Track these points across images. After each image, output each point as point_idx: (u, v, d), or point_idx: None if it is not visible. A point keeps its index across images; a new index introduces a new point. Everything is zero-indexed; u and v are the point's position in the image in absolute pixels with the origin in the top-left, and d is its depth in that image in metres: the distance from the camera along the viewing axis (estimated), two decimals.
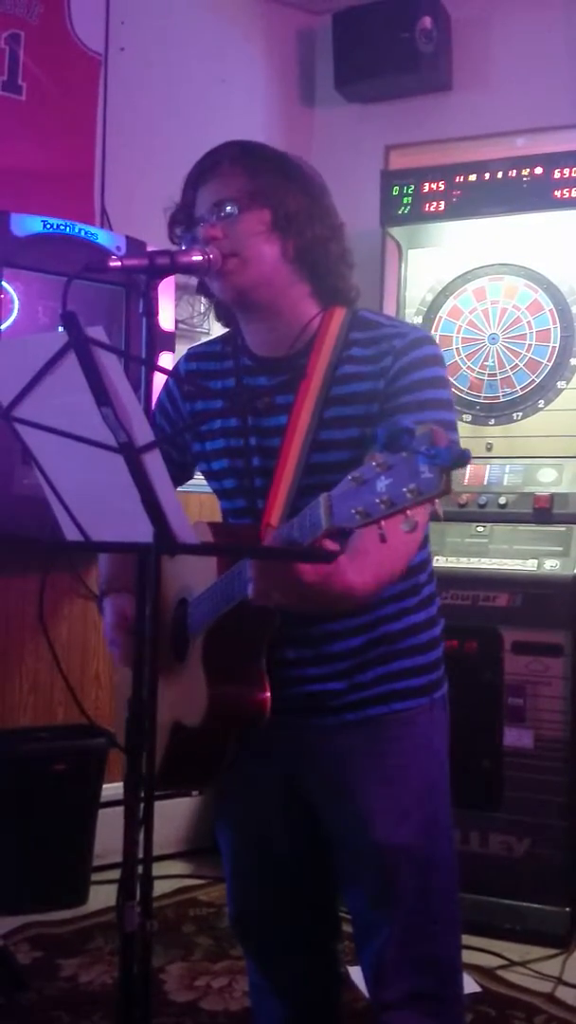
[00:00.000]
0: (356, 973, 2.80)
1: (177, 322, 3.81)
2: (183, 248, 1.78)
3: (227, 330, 1.92)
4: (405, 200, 3.78)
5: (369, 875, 1.77)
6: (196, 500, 4.01)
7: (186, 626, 1.79)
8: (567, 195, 3.56)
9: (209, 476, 1.91)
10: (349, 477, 1.29)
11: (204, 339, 4.04)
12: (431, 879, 1.78)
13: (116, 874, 1.80)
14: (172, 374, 1.98)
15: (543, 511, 3.36)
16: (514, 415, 3.59)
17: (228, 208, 1.73)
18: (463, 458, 1.17)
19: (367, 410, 1.71)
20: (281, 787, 1.85)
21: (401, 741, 1.78)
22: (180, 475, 2.02)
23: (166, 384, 1.97)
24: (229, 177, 1.74)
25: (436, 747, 1.83)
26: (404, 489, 1.21)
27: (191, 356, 1.96)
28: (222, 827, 1.97)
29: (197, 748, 1.78)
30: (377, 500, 1.24)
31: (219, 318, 1.91)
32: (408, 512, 1.22)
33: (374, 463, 1.25)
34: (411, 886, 1.75)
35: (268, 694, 1.69)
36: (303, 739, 1.79)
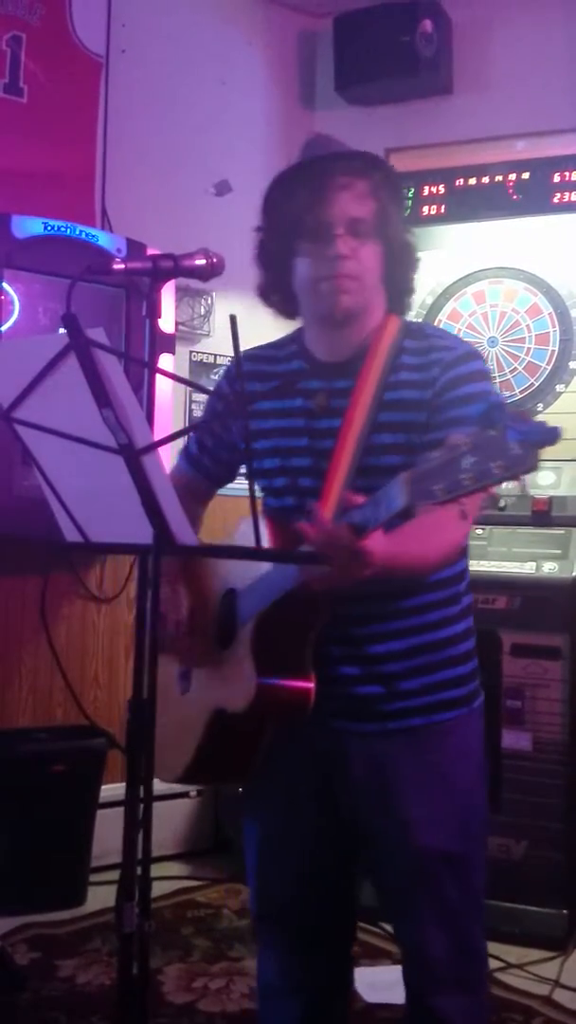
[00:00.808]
0: (356, 975, 2.81)
1: (177, 324, 3.81)
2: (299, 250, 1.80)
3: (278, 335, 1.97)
4: (405, 203, 3.79)
5: (410, 877, 1.80)
6: None
7: (235, 614, 1.81)
8: (566, 199, 3.57)
9: (259, 474, 1.93)
10: (432, 455, 1.33)
11: (204, 341, 4.08)
12: (470, 879, 1.83)
13: (115, 875, 1.81)
14: (226, 375, 2.02)
15: (542, 514, 3.36)
16: None
17: (362, 229, 1.78)
18: (554, 434, 1.22)
19: (416, 417, 1.76)
20: (315, 784, 1.86)
21: (441, 750, 1.81)
22: (227, 475, 2.07)
23: (218, 386, 2.03)
24: (364, 196, 1.79)
25: (474, 753, 1.86)
26: (492, 465, 1.25)
27: (246, 358, 1.99)
28: (250, 821, 1.98)
29: (234, 738, 1.79)
30: (462, 476, 1.28)
31: (284, 315, 1.94)
32: (492, 490, 1.28)
33: (460, 442, 1.29)
34: (453, 887, 1.80)
35: (313, 685, 1.71)
36: (342, 742, 1.81)
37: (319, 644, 1.73)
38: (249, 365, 1.96)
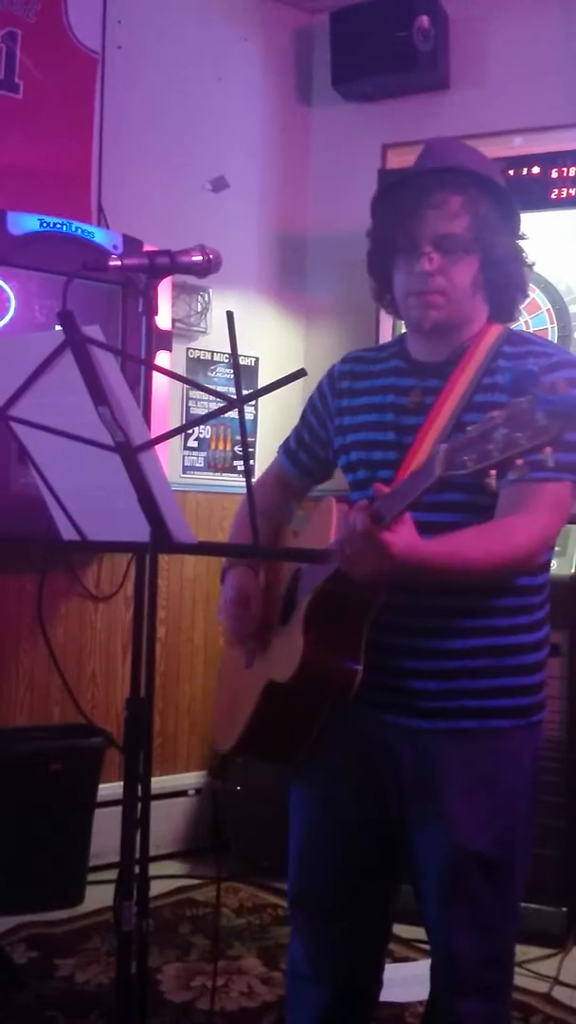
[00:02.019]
0: None
1: (174, 321, 3.80)
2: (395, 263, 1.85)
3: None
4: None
5: (447, 878, 1.80)
6: (193, 499, 4.01)
7: (296, 591, 1.83)
8: (564, 195, 3.56)
9: (347, 468, 1.96)
10: (468, 428, 1.38)
11: (201, 338, 4.08)
12: (506, 885, 1.81)
13: (113, 874, 1.81)
14: (328, 373, 2.05)
15: None
16: None
17: (450, 246, 1.80)
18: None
19: None
20: (364, 777, 1.86)
21: (491, 756, 1.80)
22: (323, 471, 2.10)
23: (320, 383, 2.05)
24: (456, 211, 1.80)
25: (525, 765, 1.85)
26: (518, 435, 1.30)
27: (347, 359, 2.04)
28: (296, 806, 1.98)
29: (285, 713, 1.81)
30: (491, 447, 1.32)
31: (398, 316, 1.98)
32: (519, 461, 1.30)
33: (495, 414, 1.34)
34: (488, 893, 1.79)
35: (360, 667, 1.71)
36: (393, 737, 1.81)
37: (383, 632, 1.73)
38: (348, 365, 2.01)
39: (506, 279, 1.87)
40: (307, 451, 2.08)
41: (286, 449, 2.12)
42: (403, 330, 1.99)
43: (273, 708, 1.81)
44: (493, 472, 1.34)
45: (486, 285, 1.86)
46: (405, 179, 1.87)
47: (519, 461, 1.31)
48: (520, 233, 1.90)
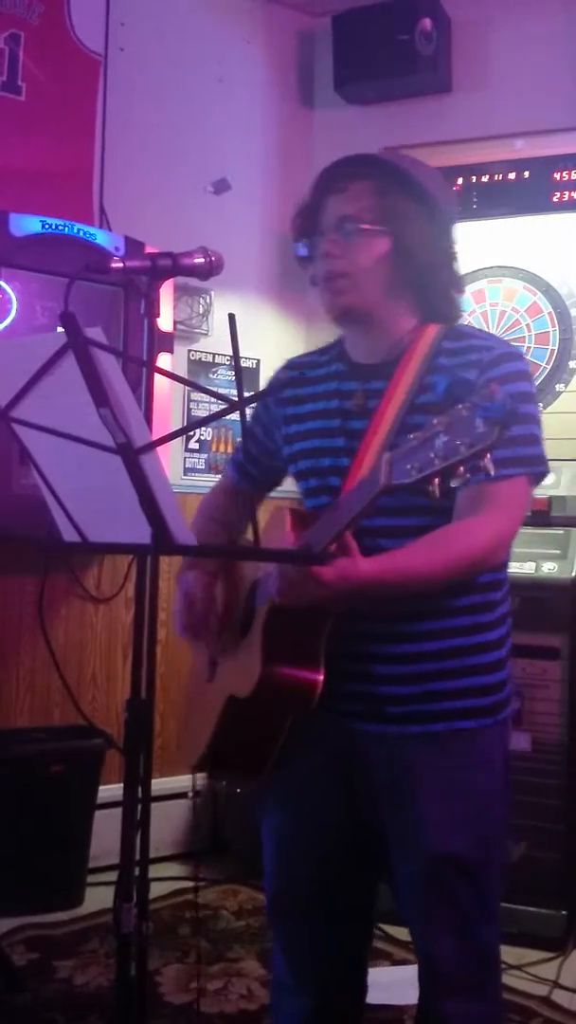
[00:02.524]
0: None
1: (176, 323, 3.81)
2: (297, 250, 1.85)
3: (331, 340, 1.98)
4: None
5: (424, 881, 1.79)
6: (194, 501, 4.00)
7: (255, 602, 1.82)
8: (566, 198, 3.57)
9: (297, 476, 1.95)
10: (411, 436, 1.37)
11: (203, 340, 4.08)
12: (484, 887, 1.81)
13: (113, 876, 1.81)
14: (271, 381, 2.02)
15: (541, 514, 3.36)
16: None
17: (350, 227, 1.77)
18: (513, 413, 1.27)
19: None
20: (335, 786, 1.86)
21: (462, 757, 1.78)
22: (272, 481, 2.09)
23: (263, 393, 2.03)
24: (359, 195, 1.78)
25: (496, 763, 1.83)
26: (458, 442, 1.29)
27: (288, 366, 2.02)
28: (268, 820, 1.97)
29: (247, 728, 1.78)
30: (432, 455, 1.32)
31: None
32: (460, 468, 1.30)
33: (435, 421, 1.33)
34: (466, 894, 1.78)
35: (321, 677, 1.69)
36: (362, 744, 1.80)
37: (350, 640, 1.72)
38: (291, 372, 1.99)
39: (426, 272, 1.80)
40: (254, 463, 2.06)
41: (234, 462, 2.11)
42: None
43: (235, 724, 1.78)
44: (436, 480, 1.33)
45: (404, 275, 1.79)
46: (317, 177, 1.85)
47: (460, 469, 1.30)
48: (448, 230, 1.84)
